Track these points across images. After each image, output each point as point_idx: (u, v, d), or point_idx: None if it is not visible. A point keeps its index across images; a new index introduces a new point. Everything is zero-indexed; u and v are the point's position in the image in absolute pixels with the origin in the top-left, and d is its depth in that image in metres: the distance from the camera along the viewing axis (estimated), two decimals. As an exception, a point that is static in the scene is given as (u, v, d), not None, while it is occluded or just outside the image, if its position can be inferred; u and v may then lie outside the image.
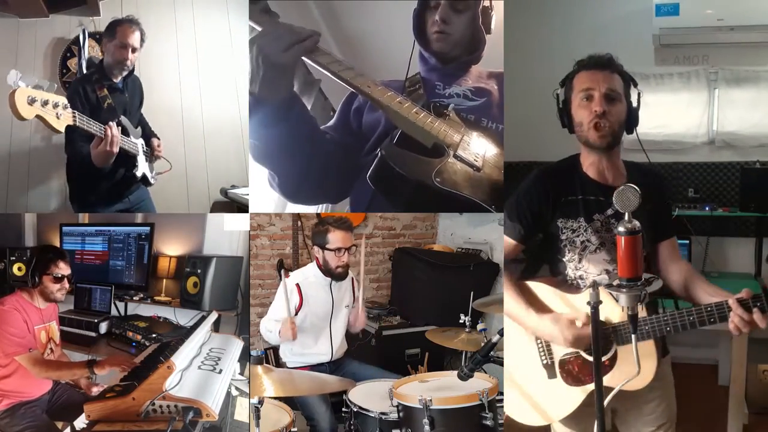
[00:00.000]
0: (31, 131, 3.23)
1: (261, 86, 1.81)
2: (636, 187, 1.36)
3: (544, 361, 1.77)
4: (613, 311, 1.64)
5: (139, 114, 2.89)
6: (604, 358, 1.64)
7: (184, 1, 3.60)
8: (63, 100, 2.12)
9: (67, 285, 2.28)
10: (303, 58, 1.88)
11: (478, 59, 2.13)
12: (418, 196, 1.81)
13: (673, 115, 3.83)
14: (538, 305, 1.74)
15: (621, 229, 1.37)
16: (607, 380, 1.61)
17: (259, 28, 1.88)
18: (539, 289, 1.79)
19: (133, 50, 2.60)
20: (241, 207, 3.32)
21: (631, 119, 1.71)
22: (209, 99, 3.63)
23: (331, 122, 2.14)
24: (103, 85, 2.58)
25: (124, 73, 2.65)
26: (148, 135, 2.86)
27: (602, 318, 1.65)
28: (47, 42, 3.28)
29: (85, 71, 3.23)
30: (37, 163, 3.24)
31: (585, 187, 1.73)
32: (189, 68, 3.58)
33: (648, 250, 1.71)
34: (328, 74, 1.88)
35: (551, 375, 1.77)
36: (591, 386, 1.65)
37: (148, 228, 3.16)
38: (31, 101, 1.93)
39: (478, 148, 1.92)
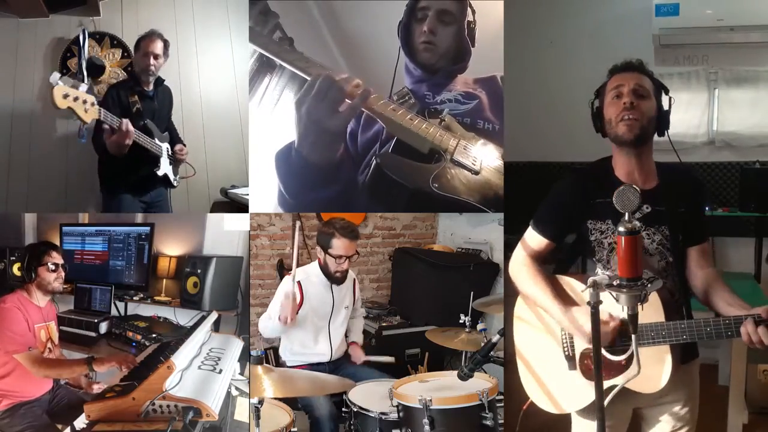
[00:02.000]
0: (31, 131, 3.24)
1: (312, 151, 1.86)
2: (636, 187, 1.36)
3: (567, 353, 1.78)
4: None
5: (168, 120, 3.11)
6: (621, 357, 1.64)
7: (184, 1, 3.60)
8: (92, 98, 2.48)
9: (62, 273, 2.32)
10: (295, 71, 1.89)
11: (464, 69, 2.16)
12: (415, 202, 1.83)
13: (673, 115, 3.82)
14: (566, 298, 1.75)
15: (621, 229, 1.36)
16: (620, 379, 1.64)
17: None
18: (570, 283, 1.79)
19: (156, 57, 2.85)
20: (241, 207, 3.32)
21: (662, 121, 1.73)
22: (209, 99, 3.63)
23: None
24: (135, 92, 2.85)
25: (151, 80, 2.91)
26: (174, 140, 3.08)
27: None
28: (47, 42, 3.28)
29: (85, 71, 3.25)
30: (38, 162, 3.24)
31: (616, 187, 1.73)
32: (189, 68, 3.58)
33: (676, 253, 1.71)
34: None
35: (571, 367, 1.77)
36: (609, 382, 1.66)
37: (148, 228, 3.15)
38: (65, 96, 2.38)
39: (476, 151, 1.92)
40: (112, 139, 2.60)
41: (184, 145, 3.11)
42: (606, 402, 1.44)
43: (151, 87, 2.92)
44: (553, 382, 1.81)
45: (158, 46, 2.85)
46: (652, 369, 1.61)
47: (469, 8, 2.16)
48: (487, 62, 2.19)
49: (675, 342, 1.58)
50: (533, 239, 1.80)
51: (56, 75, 2.41)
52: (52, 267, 2.27)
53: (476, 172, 1.87)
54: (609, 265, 1.76)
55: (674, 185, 1.72)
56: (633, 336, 1.44)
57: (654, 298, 1.61)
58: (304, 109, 1.85)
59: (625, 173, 1.74)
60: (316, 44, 2.74)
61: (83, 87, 2.46)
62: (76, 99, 2.40)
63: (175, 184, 3.05)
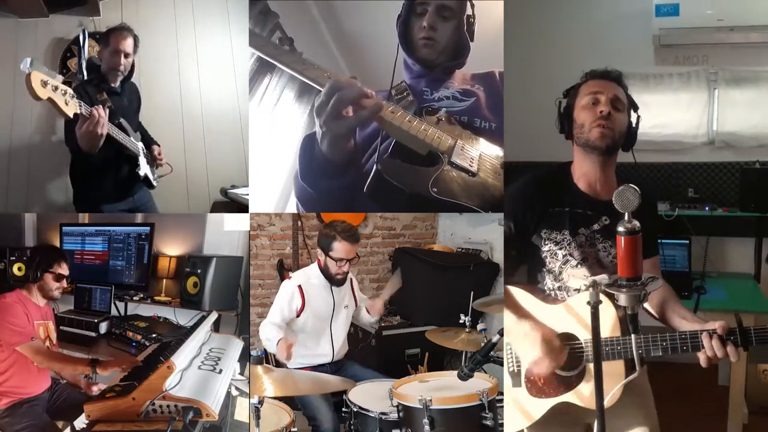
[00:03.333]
0: (31, 131, 3.24)
1: (322, 145, 1.88)
2: (636, 187, 1.36)
3: (510, 368, 1.76)
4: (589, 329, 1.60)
5: (137, 119, 2.94)
6: (572, 373, 1.64)
7: (184, 1, 3.60)
8: (69, 89, 2.23)
9: (65, 284, 2.35)
10: (294, 74, 1.89)
11: (463, 64, 2.15)
12: (415, 206, 1.83)
13: (673, 116, 3.83)
14: (518, 311, 1.72)
15: (621, 229, 1.36)
16: (569, 396, 1.63)
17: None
18: (518, 294, 1.76)
19: (126, 56, 2.67)
20: (241, 207, 3.32)
21: (630, 136, 1.72)
22: (209, 99, 3.63)
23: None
24: (102, 89, 2.66)
25: (120, 78, 2.72)
26: (148, 141, 2.93)
27: (576, 333, 1.65)
28: (47, 42, 3.28)
29: (85, 71, 3.24)
30: (38, 162, 3.24)
31: (574, 199, 1.72)
32: (189, 68, 3.58)
33: None
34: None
35: (516, 383, 1.75)
36: (554, 400, 1.65)
37: (148, 228, 3.16)
38: (44, 84, 2.07)
39: (474, 151, 1.92)
40: (83, 129, 2.29)
41: (159, 146, 2.96)
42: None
43: (118, 83, 2.73)
44: (506, 398, 1.78)
45: (129, 44, 2.66)
46: (607, 384, 1.52)
47: (468, 3, 2.15)
48: (487, 62, 2.19)
49: (629, 356, 1.54)
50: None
51: (26, 60, 2.04)
52: (58, 275, 2.30)
53: (474, 174, 1.87)
54: (561, 277, 1.73)
55: None
56: (633, 336, 1.44)
57: (611, 313, 1.59)
58: (314, 107, 1.87)
59: (586, 182, 1.73)
60: (315, 44, 2.74)
61: (59, 77, 2.17)
62: (55, 89, 2.10)
63: (155, 185, 2.90)
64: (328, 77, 1.94)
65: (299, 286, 2.51)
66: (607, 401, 1.54)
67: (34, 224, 3.44)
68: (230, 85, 3.66)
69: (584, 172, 1.73)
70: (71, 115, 2.21)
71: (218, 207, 3.55)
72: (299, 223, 3.58)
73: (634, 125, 1.72)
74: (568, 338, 1.67)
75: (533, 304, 1.74)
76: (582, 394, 1.63)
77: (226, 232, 3.12)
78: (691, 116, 3.83)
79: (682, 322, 1.61)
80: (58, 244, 3.36)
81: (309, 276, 2.57)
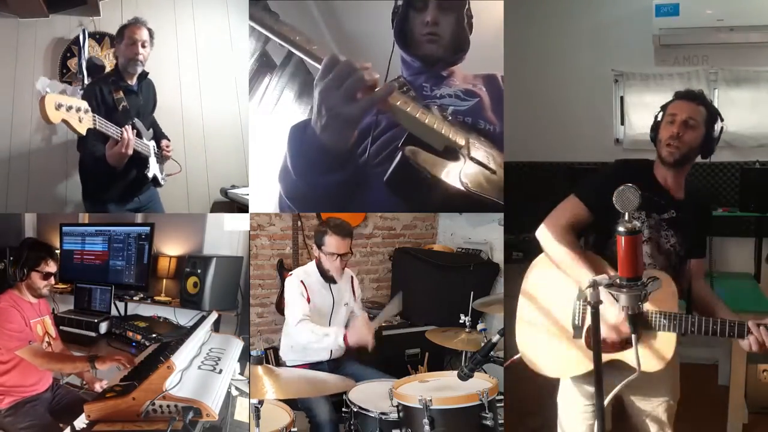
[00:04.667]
0: (31, 131, 3.24)
1: (324, 133, 1.77)
2: (636, 187, 1.37)
3: (576, 322, 1.83)
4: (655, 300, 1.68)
5: (152, 117, 2.96)
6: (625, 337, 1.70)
7: (184, 1, 3.60)
8: (84, 104, 2.24)
9: (53, 281, 2.33)
10: (299, 54, 1.82)
11: (462, 59, 2.12)
12: (438, 198, 1.74)
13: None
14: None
15: (621, 228, 1.37)
16: (619, 355, 1.74)
17: (315, 65, 1.82)
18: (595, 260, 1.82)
19: (143, 45, 2.67)
20: (241, 207, 3.32)
21: (707, 146, 1.88)
22: (209, 99, 3.63)
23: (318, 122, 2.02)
24: (119, 88, 2.65)
25: (138, 71, 2.72)
26: (158, 136, 2.93)
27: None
28: (47, 42, 3.28)
29: (85, 71, 3.24)
30: (38, 163, 3.24)
31: (653, 189, 1.87)
32: (189, 68, 3.57)
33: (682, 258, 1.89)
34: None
35: (577, 335, 1.82)
36: (609, 356, 1.72)
37: (148, 228, 3.15)
38: (58, 106, 2.10)
39: (486, 149, 1.89)
40: (113, 151, 2.43)
41: (169, 140, 2.97)
42: (606, 401, 1.44)
43: (135, 81, 2.74)
44: (553, 347, 1.84)
45: (144, 34, 2.67)
46: (658, 351, 1.71)
47: None
48: (487, 62, 2.18)
49: (684, 332, 1.68)
50: (572, 207, 1.86)
51: (44, 80, 2.13)
52: (45, 273, 2.28)
53: (493, 171, 1.84)
54: None
55: (695, 204, 1.91)
56: (633, 336, 1.44)
57: (672, 289, 1.72)
58: (318, 91, 1.77)
59: (663, 178, 1.89)
60: (316, 44, 2.74)
61: (69, 89, 2.22)
62: (69, 108, 2.15)
63: (162, 183, 2.92)
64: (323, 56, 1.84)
65: (302, 281, 2.52)
66: (651, 366, 1.70)
67: (34, 224, 3.44)
68: (230, 85, 3.66)
69: (661, 173, 1.91)
70: (84, 132, 2.26)
71: (218, 207, 3.55)
72: (299, 223, 3.58)
73: (715, 135, 1.89)
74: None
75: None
76: (630, 356, 1.69)
77: (226, 232, 3.12)
78: (691, 116, 3.83)
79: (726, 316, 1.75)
80: (57, 244, 3.36)
81: (308, 273, 2.59)
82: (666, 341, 1.71)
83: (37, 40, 3.26)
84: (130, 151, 2.46)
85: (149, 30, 2.71)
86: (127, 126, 2.45)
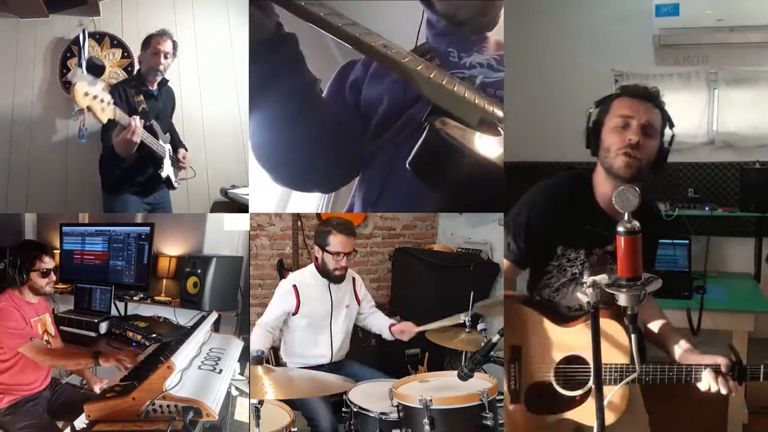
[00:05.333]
0: (31, 131, 3.24)
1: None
2: (636, 188, 1.36)
3: (512, 386, 1.79)
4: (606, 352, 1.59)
5: (170, 122, 3.12)
6: (578, 392, 1.66)
7: (183, 1, 3.60)
8: (108, 97, 2.43)
9: (54, 277, 2.32)
10: (285, 10, 1.52)
11: (494, 24, 1.84)
12: (473, 175, 1.47)
13: (673, 116, 3.82)
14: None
15: (621, 229, 1.36)
16: (573, 414, 1.66)
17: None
18: (530, 316, 1.76)
19: (166, 56, 2.87)
20: (241, 207, 3.32)
21: (660, 158, 1.65)
22: (209, 99, 3.63)
23: (323, 96, 1.83)
24: (140, 91, 2.85)
25: (158, 79, 2.92)
26: (176, 144, 3.09)
27: (585, 355, 1.67)
28: (47, 42, 3.28)
29: (85, 71, 3.24)
30: (38, 162, 3.24)
31: (593, 217, 1.66)
32: (189, 68, 3.58)
33: None
34: (326, 33, 1.48)
35: (512, 400, 1.78)
36: (556, 417, 1.68)
37: (148, 228, 3.15)
38: (86, 94, 2.32)
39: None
40: (120, 137, 2.56)
41: (186, 150, 3.13)
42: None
43: (155, 86, 2.93)
44: None
45: (169, 46, 2.87)
46: (610, 403, 1.60)
47: None
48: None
49: (636, 382, 1.59)
50: (508, 270, 1.77)
51: (77, 70, 2.38)
52: (44, 271, 2.27)
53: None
54: (558, 294, 1.73)
55: (645, 223, 1.61)
56: (633, 336, 1.44)
57: (623, 338, 1.60)
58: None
59: (606, 202, 1.66)
60: (315, 44, 2.73)
61: (99, 84, 2.40)
62: (95, 97, 2.35)
63: (176, 186, 3.07)
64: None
65: (294, 285, 2.49)
66: (609, 414, 1.56)
67: (34, 224, 3.44)
68: (230, 84, 3.66)
69: (605, 192, 1.66)
70: (105, 121, 2.44)
71: (218, 207, 3.55)
72: (299, 223, 3.58)
73: (667, 145, 1.64)
74: (575, 360, 1.68)
75: (545, 326, 1.73)
76: (581, 413, 1.66)
77: (226, 232, 3.12)
78: (691, 116, 3.83)
79: (681, 353, 1.64)
80: (57, 244, 3.37)
81: (305, 276, 2.56)
82: (618, 393, 1.61)
83: (37, 40, 3.27)
84: (136, 139, 2.56)
85: (173, 42, 2.90)
86: (134, 116, 2.57)
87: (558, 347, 1.71)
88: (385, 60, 1.47)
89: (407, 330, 2.59)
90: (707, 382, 1.52)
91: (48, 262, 2.29)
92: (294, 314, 2.49)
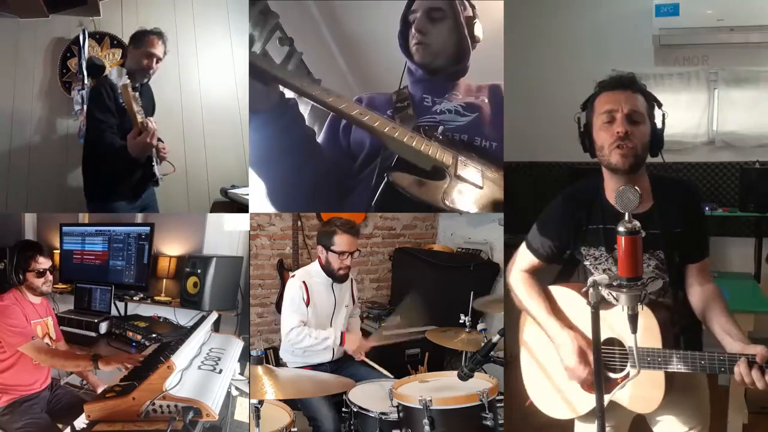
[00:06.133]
0: (31, 131, 3.24)
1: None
2: (636, 188, 1.35)
3: (565, 363, 1.75)
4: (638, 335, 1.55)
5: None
6: (616, 376, 1.64)
7: (183, 1, 3.60)
8: (137, 95, 2.45)
9: (50, 277, 2.32)
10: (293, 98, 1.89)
11: (465, 70, 2.10)
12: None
13: (673, 115, 3.80)
14: (560, 314, 1.73)
15: (621, 229, 1.36)
16: (615, 396, 1.63)
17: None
18: (565, 293, 1.76)
19: (158, 60, 2.77)
20: (241, 207, 3.32)
21: (655, 142, 1.64)
22: (209, 99, 3.63)
23: (320, 139, 2.12)
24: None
25: (144, 81, 2.79)
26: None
27: (618, 337, 1.65)
28: (47, 42, 3.28)
29: (85, 71, 3.24)
30: (38, 162, 3.24)
31: (607, 216, 1.66)
32: (189, 68, 3.58)
33: (673, 274, 1.67)
34: (316, 105, 1.88)
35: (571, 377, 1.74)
36: (605, 397, 1.63)
37: (148, 228, 3.15)
38: (135, 98, 2.40)
39: (476, 166, 1.92)
40: (137, 139, 2.47)
41: (163, 142, 2.94)
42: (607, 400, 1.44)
43: (137, 85, 2.77)
44: (556, 388, 1.80)
45: (161, 49, 2.77)
46: (648, 391, 1.59)
47: (467, 3, 2.10)
48: (487, 62, 2.18)
49: (668, 369, 1.54)
50: (526, 257, 1.79)
51: (122, 71, 2.42)
52: (40, 271, 2.27)
53: (480, 187, 1.87)
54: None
55: (669, 204, 1.64)
56: (633, 336, 1.44)
57: (652, 323, 1.57)
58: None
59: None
60: (315, 44, 2.74)
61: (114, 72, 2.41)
62: (135, 98, 2.39)
63: (159, 182, 2.92)
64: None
65: (303, 282, 2.51)
66: (646, 408, 1.60)
67: (34, 224, 3.44)
68: (230, 84, 3.66)
69: (614, 188, 1.62)
70: (140, 119, 2.43)
71: (218, 207, 3.55)
72: (299, 223, 3.58)
73: (660, 126, 1.63)
74: (612, 343, 1.67)
75: (579, 306, 1.71)
76: (623, 395, 1.64)
77: (226, 232, 3.12)
78: (691, 116, 3.83)
79: (725, 338, 1.56)
80: (57, 244, 3.37)
81: (311, 273, 2.57)
82: (654, 379, 1.56)
83: (37, 40, 3.27)
84: (155, 142, 2.52)
85: (165, 44, 2.79)
86: (150, 117, 2.51)
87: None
88: (361, 125, 1.88)
89: (356, 341, 2.57)
90: (739, 372, 1.45)
91: (43, 263, 2.29)
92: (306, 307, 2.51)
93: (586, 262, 1.73)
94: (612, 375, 1.65)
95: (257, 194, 2.10)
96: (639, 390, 1.60)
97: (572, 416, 1.78)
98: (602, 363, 1.62)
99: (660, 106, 1.65)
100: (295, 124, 1.91)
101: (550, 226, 1.76)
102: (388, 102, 2.05)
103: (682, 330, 1.63)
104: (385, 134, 1.85)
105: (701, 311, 1.66)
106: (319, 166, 1.97)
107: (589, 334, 1.61)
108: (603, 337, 1.67)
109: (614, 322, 1.65)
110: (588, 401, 1.72)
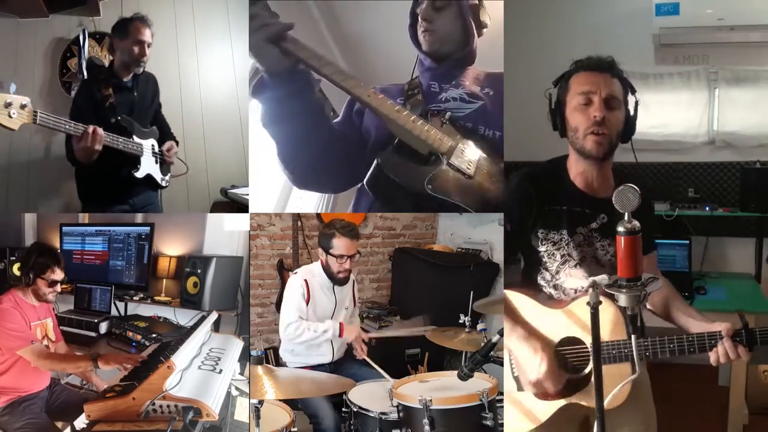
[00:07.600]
0: (31, 131, 3.24)
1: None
2: (636, 187, 1.35)
3: (515, 373, 1.75)
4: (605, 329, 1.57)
5: (153, 113, 2.86)
6: (577, 375, 1.63)
7: (184, 1, 3.60)
8: (25, 100, 2.16)
9: (59, 289, 2.31)
10: (305, 68, 1.89)
11: (473, 57, 2.11)
12: (412, 202, 1.84)
13: (673, 115, 3.82)
14: (514, 317, 1.71)
15: (621, 229, 1.36)
16: (576, 398, 1.62)
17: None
18: (517, 299, 1.75)
19: (148, 45, 2.63)
20: (241, 207, 3.32)
21: (628, 128, 1.63)
22: (209, 99, 3.63)
23: (338, 119, 2.14)
24: (109, 84, 2.60)
25: (138, 71, 2.67)
26: (165, 137, 2.86)
27: (580, 336, 1.64)
28: (47, 42, 3.28)
29: (85, 71, 3.24)
30: (38, 162, 3.24)
31: (572, 198, 1.65)
32: (189, 68, 3.58)
33: None
34: (329, 82, 1.91)
35: (519, 388, 1.74)
36: (561, 402, 1.64)
37: (148, 228, 3.16)
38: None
39: (473, 155, 1.92)
40: (79, 145, 2.30)
41: (176, 142, 2.89)
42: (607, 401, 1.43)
43: (129, 77, 2.66)
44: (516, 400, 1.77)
45: (149, 34, 2.62)
46: (613, 388, 1.54)
47: None
48: (487, 61, 2.18)
49: (638, 359, 1.50)
50: None
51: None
52: (51, 281, 2.26)
53: (470, 177, 1.87)
54: (558, 277, 1.71)
55: None
56: (633, 336, 1.43)
57: (611, 314, 1.56)
58: None
59: (583, 180, 1.67)
60: (315, 44, 2.73)
61: (13, 87, 2.17)
62: (7, 105, 2.10)
63: (163, 185, 2.82)
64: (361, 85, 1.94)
65: (305, 280, 2.52)
66: (610, 402, 1.51)
67: (34, 224, 3.44)
68: (230, 84, 3.66)
69: (581, 171, 1.66)
70: (15, 128, 2.13)
71: (218, 207, 3.55)
72: (299, 223, 3.58)
73: (632, 113, 1.61)
74: (572, 342, 1.67)
75: (533, 309, 1.72)
76: (588, 396, 1.62)
77: (226, 232, 3.12)
78: (691, 116, 3.83)
79: (689, 321, 1.58)
80: (57, 245, 3.36)
81: (313, 273, 2.57)
82: (619, 374, 1.55)
83: (37, 40, 3.26)
84: (97, 147, 2.31)
85: (151, 28, 2.65)
86: (91, 126, 2.30)
87: (554, 331, 1.68)
88: (367, 105, 1.93)
89: (355, 330, 2.59)
90: (714, 353, 1.46)
91: (57, 275, 2.27)
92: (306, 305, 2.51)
93: (542, 248, 1.68)
94: (574, 376, 1.64)
95: (261, 188, 2.09)
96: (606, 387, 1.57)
97: (531, 426, 1.73)
98: (567, 362, 1.63)
99: (634, 92, 1.64)
100: (306, 91, 1.91)
101: (509, 206, 1.72)
102: (400, 92, 2.06)
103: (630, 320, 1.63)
104: (387, 116, 1.88)
105: (660, 304, 1.68)
106: (326, 135, 1.99)
107: (552, 338, 1.63)
108: (560, 336, 1.68)
109: (565, 322, 1.65)
110: (545, 409, 1.69)
